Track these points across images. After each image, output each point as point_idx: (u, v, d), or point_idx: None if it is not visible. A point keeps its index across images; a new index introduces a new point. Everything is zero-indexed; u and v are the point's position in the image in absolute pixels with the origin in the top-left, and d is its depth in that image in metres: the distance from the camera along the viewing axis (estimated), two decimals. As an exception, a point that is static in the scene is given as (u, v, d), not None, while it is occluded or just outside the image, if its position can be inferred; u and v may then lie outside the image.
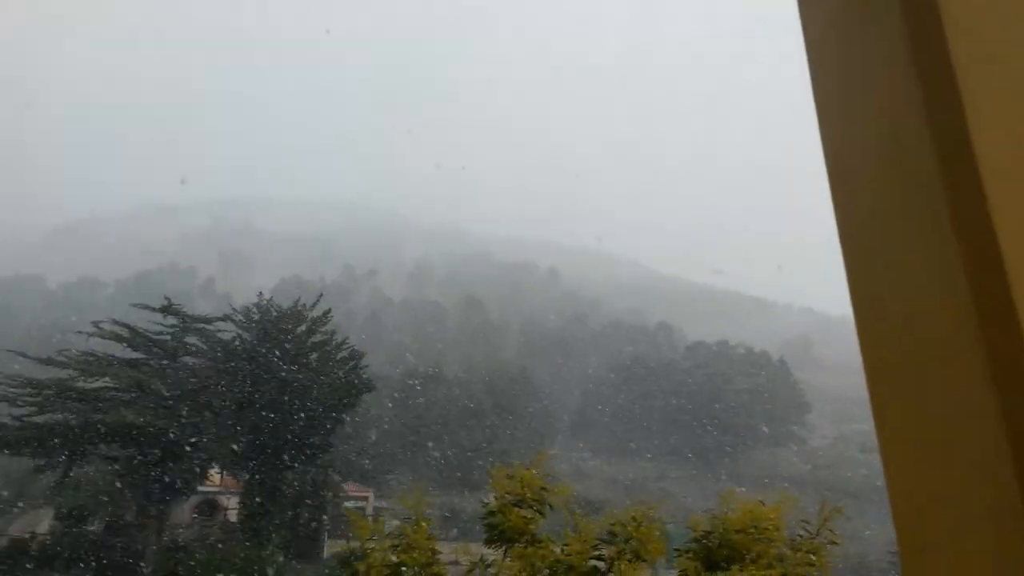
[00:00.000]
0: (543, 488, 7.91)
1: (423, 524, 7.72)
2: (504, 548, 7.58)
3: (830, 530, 7.90)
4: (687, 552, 7.69)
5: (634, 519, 7.34)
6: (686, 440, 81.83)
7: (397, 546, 7.62)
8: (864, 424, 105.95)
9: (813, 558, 7.49)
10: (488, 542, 7.75)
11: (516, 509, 7.66)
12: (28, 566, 30.21)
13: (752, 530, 7.39)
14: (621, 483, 71.79)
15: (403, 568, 7.17)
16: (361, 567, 7.37)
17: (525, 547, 7.34)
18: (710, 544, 7.56)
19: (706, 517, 7.90)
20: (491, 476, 8.37)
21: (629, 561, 7.07)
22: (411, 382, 74.76)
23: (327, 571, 32.70)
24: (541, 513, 7.79)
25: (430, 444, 66.48)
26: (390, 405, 66.38)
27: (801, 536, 7.86)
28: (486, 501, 8.17)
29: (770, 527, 7.62)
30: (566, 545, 7.34)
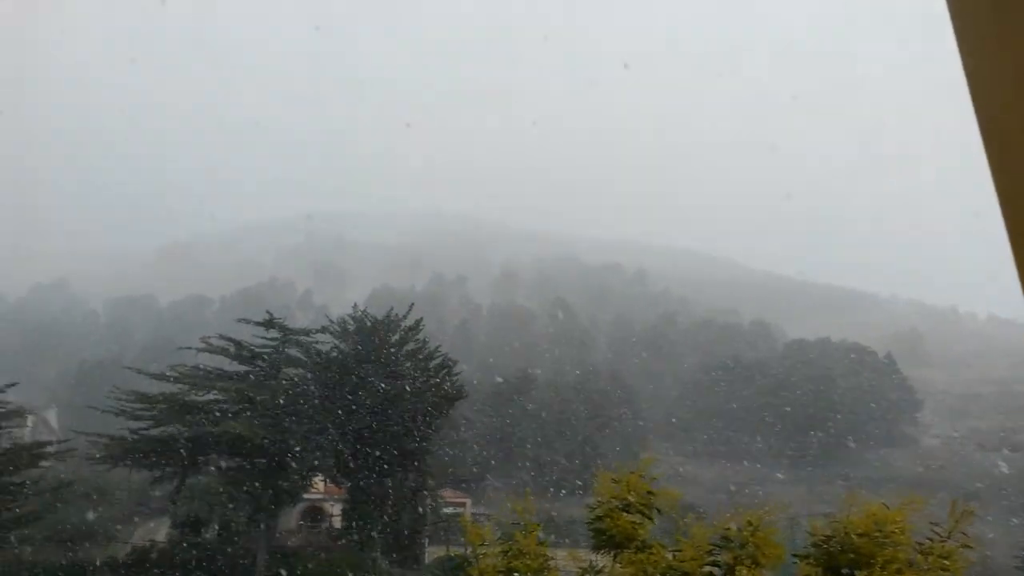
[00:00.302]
0: (650, 492, 7.69)
1: (533, 530, 7.62)
2: (613, 554, 7.39)
3: (963, 533, 7.35)
4: (806, 557, 7.30)
5: (749, 523, 7.02)
6: (788, 442, 79.06)
7: (508, 552, 7.54)
8: (979, 421, 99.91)
9: (946, 563, 6.98)
10: (596, 548, 7.57)
11: (623, 514, 7.46)
12: (149, 573, 31.79)
13: (877, 534, 6.95)
14: (721, 487, 69.97)
15: (515, 574, 7.08)
16: (474, 573, 7.32)
17: (635, 552, 7.13)
18: (832, 549, 7.15)
19: (825, 521, 7.49)
20: (596, 481, 8.19)
21: (748, 567, 6.76)
22: (502, 388, 75.12)
23: (430, 576, 33.19)
24: (649, 518, 7.56)
25: (524, 449, 66.55)
26: (483, 411, 66.86)
27: (931, 540, 7.34)
28: (591, 506, 8.00)
29: (896, 531, 7.15)
30: (677, 551, 7.09)
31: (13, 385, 37.97)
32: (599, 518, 7.57)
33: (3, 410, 37.34)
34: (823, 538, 7.27)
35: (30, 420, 41.74)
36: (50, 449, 38.50)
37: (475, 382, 60.72)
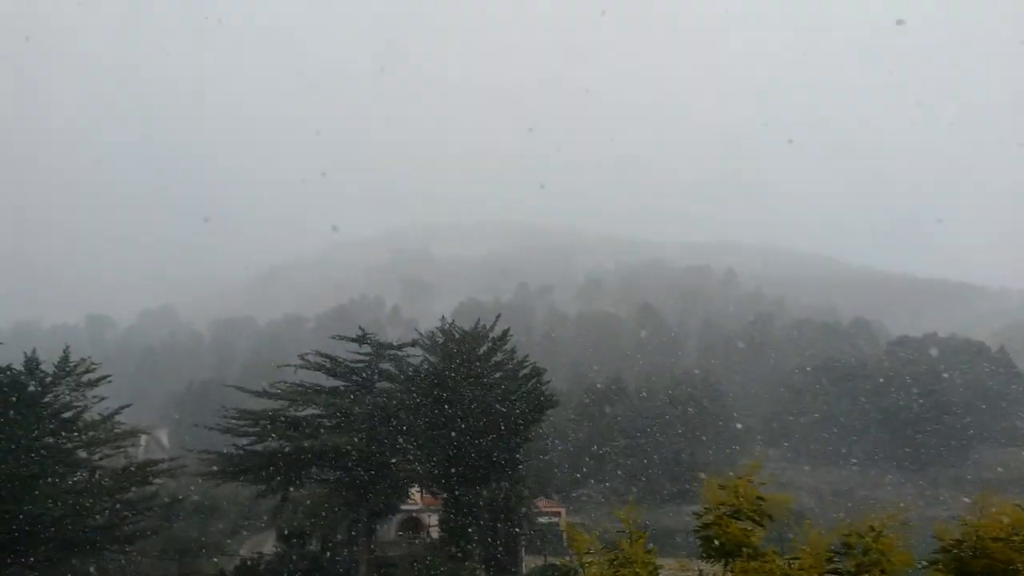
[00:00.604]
0: (759, 498, 7.32)
1: (639, 538, 7.38)
2: (724, 562, 7.07)
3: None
4: (934, 564, 6.79)
5: (872, 529, 6.57)
6: (896, 443, 75.23)
7: (615, 560, 7.31)
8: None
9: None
10: (705, 556, 7.26)
11: (733, 521, 7.13)
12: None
13: (1015, 538, 6.39)
14: (827, 492, 67.17)
15: None
16: None
17: (747, 560, 6.78)
18: (963, 554, 6.62)
19: (954, 524, 6.95)
20: (702, 487, 7.87)
21: (873, 575, 6.31)
22: (592, 395, 74.41)
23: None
24: (760, 524, 7.20)
25: (616, 457, 65.63)
26: (574, 420, 66.38)
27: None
28: (698, 513, 7.68)
29: (1036, 535, 6.56)
30: (794, 559, 6.71)
31: (127, 407, 40.02)
32: (707, 525, 7.26)
33: (118, 430, 39.37)
34: (952, 543, 6.75)
35: (143, 439, 43.98)
36: (162, 466, 40.34)
37: (564, 391, 60.32)
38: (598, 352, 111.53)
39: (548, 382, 43.63)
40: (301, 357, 42.34)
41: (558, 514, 47.71)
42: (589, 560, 7.29)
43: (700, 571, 7.17)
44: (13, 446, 31.77)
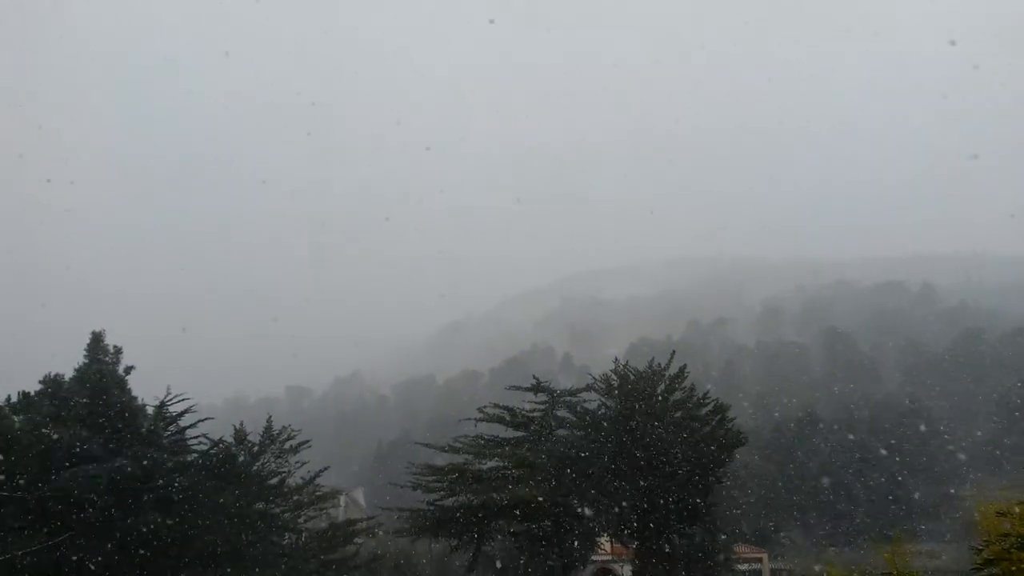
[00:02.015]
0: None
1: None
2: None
3: None
4: None
5: None
6: None
7: None
8: None
9: None
10: None
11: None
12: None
13: None
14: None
15: None
16: None
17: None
18: None
19: None
20: (977, 513, 6.86)
21: None
22: (784, 431, 70.08)
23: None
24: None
25: (817, 496, 61.01)
26: (765, 458, 62.66)
27: None
28: (976, 547, 6.65)
29: None
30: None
31: (326, 469, 42.45)
32: (990, 561, 6.25)
33: (319, 493, 41.78)
34: None
35: (342, 500, 46.30)
36: (361, 526, 42.19)
37: (751, 427, 57.16)
38: (784, 384, 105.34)
39: (734, 418, 41.57)
40: (480, 410, 43.10)
41: (759, 560, 44.86)
42: None
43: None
44: (228, 513, 34.46)
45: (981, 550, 6.13)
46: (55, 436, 32.08)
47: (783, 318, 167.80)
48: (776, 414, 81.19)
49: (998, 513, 6.02)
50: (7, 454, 31.30)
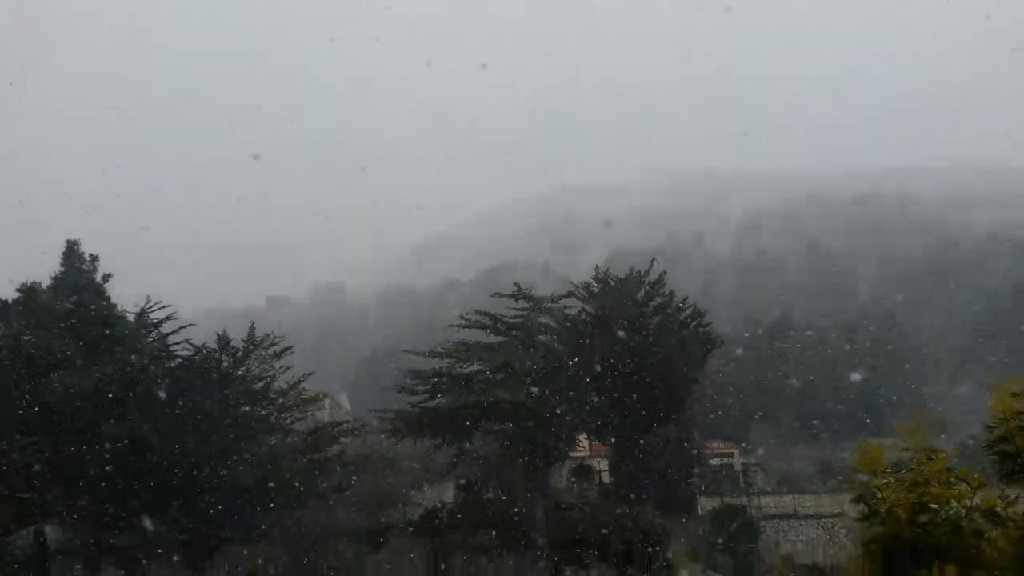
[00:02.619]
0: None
1: (931, 455, 6.70)
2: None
3: None
4: None
5: None
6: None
7: (916, 484, 6.68)
8: None
9: None
10: (1006, 477, 6.42)
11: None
12: (441, 530, 34.54)
13: None
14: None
15: (933, 505, 6.23)
16: (881, 505, 6.56)
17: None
18: None
19: None
20: (993, 393, 7.09)
21: None
22: (759, 337, 71.68)
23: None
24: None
25: (788, 398, 62.98)
26: (741, 361, 64.27)
27: None
28: (990, 425, 6.90)
29: None
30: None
31: (310, 374, 43.04)
32: (1003, 439, 6.49)
33: (304, 397, 42.51)
34: None
35: (326, 403, 47.17)
36: (346, 427, 43.12)
37: (730, 333, 58.35)
38: (761, 295, 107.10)
39: (709, 324, 42.45)
40: (462, 317, 43.55)
41: (731, 455, 46.69)
42: (884, 482, 6.67)
43: (1002, 490, 6.38)
44: (212, 419, 34.97)
45: (994, 428, 6.37)
46: (35, 343, 32.07)
47: (760, 230, 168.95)
48: (751, 321, 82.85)
49: (1013, 393, 6.26)
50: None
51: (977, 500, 6.20)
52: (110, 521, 32.81)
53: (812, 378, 64.58)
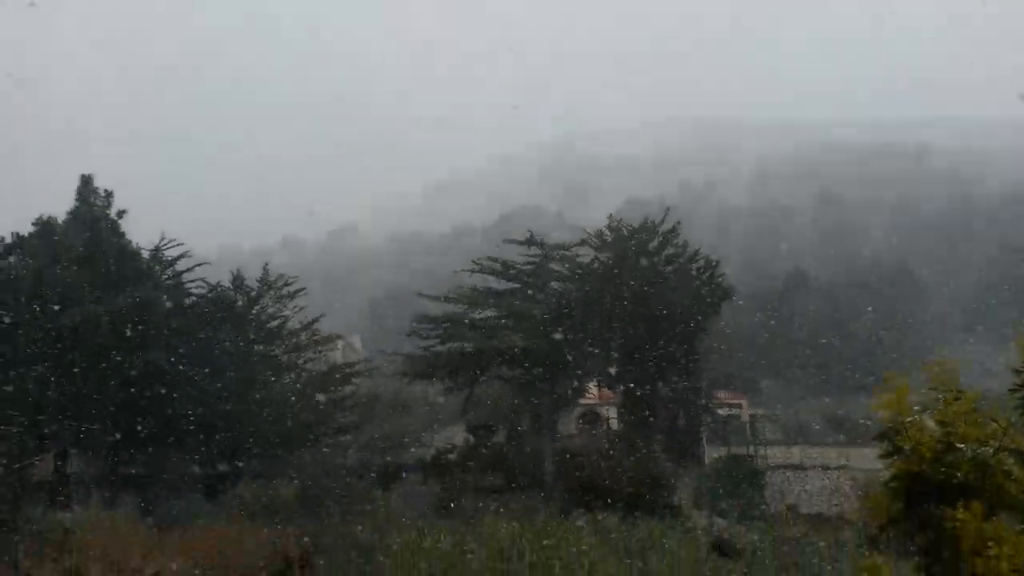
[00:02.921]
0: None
1: (959, 396, 6.61)
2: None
3: None
4: None
5: None
6: None
7: (943, 423, 6.61)
8: None
9: None
10: None
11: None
12: (451, 470, 35.18)
13: None
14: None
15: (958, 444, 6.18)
16: (906, 443, 6.51)
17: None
18: None
19: None
20: (1018, 338, 6.95)
21: None
22: (770, 288, 71.49)
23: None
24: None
25: (798, 350, 63.04)
26: (751, 312, 64.19)
27: None
28: (1018, 368, 6.78)
29: None
30: None
31: (323, 316, 43.39)
32: None
33: (317, 337, 42.95)
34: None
35: (339, 345, 47.57)
36: (359, 368, 43.70)
37: (740, 283, 58.12)
38: (773, 245, 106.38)
39: (723, 274, 42.39)
40: (474, 262, 43.62)
41: (739, 406, 47.03)
42: (909, 419, 6.59)
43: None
44: (228, 355, 35.41)
45: (1021, 371, 6.27)
46: (52, 277, 32.34)
47: (774, 180, 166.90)
48: (763, 272, 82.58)
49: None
50: (6, 294, 31.64)
51: (1006, 441, 6.17)
52: (127, 452, 33.59)
53: (823, 330, 64.50)
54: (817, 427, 45.00)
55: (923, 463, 6.21)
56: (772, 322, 63.94)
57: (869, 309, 67.60)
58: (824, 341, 62.52)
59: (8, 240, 34.16)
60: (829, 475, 33.91)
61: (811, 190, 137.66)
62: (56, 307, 31.67)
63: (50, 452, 32.28)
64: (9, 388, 29.52)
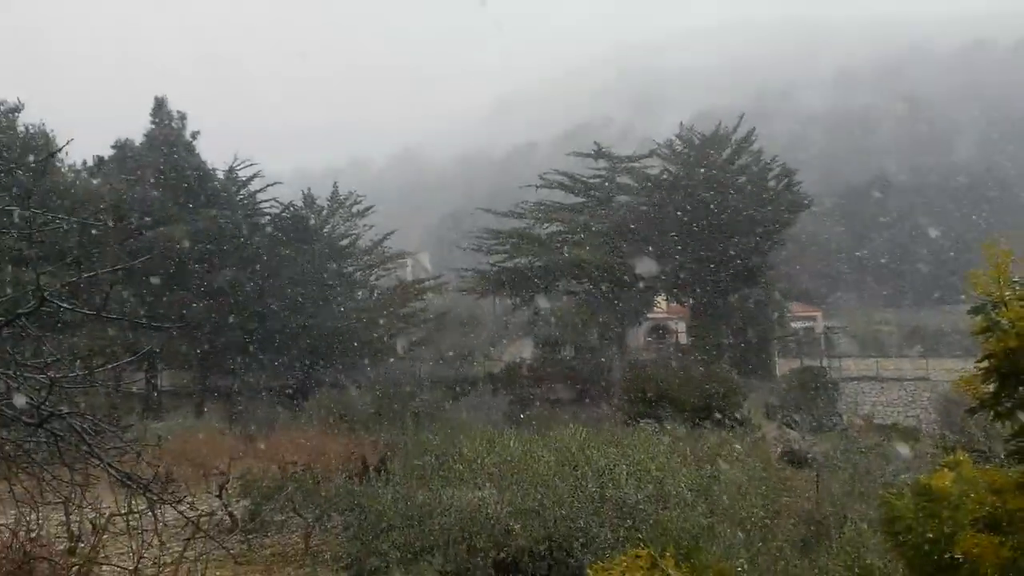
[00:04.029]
0: None
1: None
2: None
3: None
4: None
5: None
6: None
7: None
8: None
9: None
10: None
11: None
12: (521, 384, 35.75)
13: None
14: None
15: None
16: (1003, 316, 6.11)
17: None
18: None
19: None
20: None
21: None
22: (850, 197, 68.73)
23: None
24: None
25: (877, 260, 60.85)
26: (829, 221, 62.02)
27: None
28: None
29: None
30: None
31: (392, 233, 43.93)
32: None
33: (387, 254, 43.63)
34: None
35: (408, 262, 48.26)
36: (428, 284, 44.31)
37: (820, 193, 55.89)
38: (854, 153, 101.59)
39: (800, 183, 40.77)
40: (541, 177, 43.15)
41: (813, 318, 46.03)
42: (1008, 293, 6.14)
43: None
44: (302, 272, 36.32)
45: None
46: (132, 198, 33.44)
47: (856, 84, 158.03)
48: (842, 181, 79.24)
49: None
50: (91, 215, 32.89)
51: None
52: (212, 365, 35.25)
53: (904, 239, 61.89)
54: (895, 339, 43.71)
55: (1021, 341, 5.81)
56: (851, 232, 61.70)
57: (956, 216, 64.36)
58: (905, 251, 60.06)
59: (90, 163, 35.32)
60: (906, 386, 33.13)
61: (897, 92, 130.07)
62: (138, 226, 32.85)
63: (142, 366, 34.11)
64: (101, 305, 31.08)
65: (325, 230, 40.09)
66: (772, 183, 39.97)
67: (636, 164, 42.28)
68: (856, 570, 8.13)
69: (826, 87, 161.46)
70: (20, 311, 3.87)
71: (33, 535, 6.13)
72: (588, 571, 6.16)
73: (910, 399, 32.67)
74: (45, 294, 3.68)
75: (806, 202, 40.49)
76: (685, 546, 8.48)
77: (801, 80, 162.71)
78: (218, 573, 12.34)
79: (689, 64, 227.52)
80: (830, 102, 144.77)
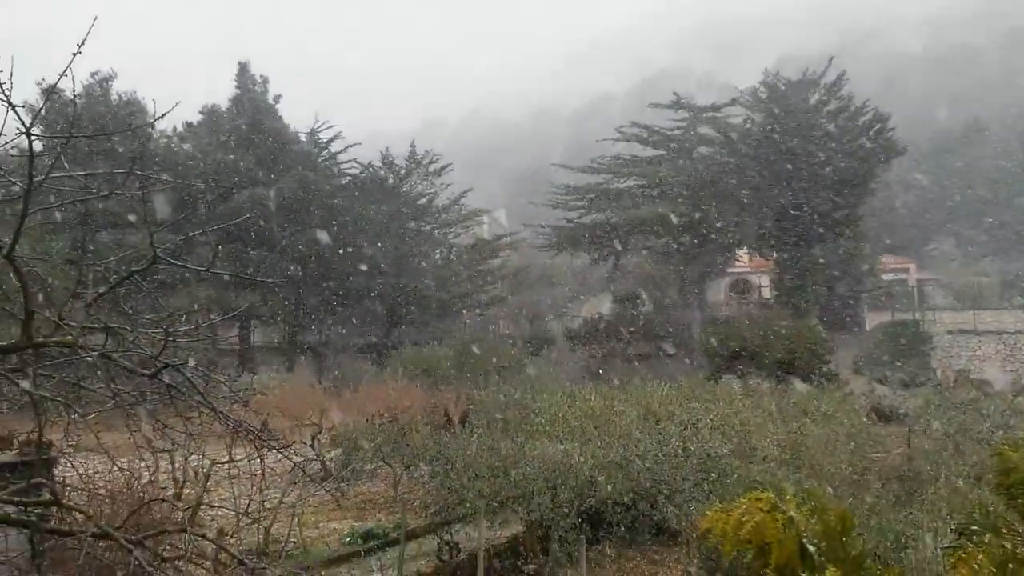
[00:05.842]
0: None
1: None
2: None
3: None
4: None
5: None
6: None
7: None
8: None
9: None
10: None
11: None
12: (600, 339, 35.76)
13: None
14: None
15: None
16: None
17: None
18: None
19: None
20: None
21: None
22: (945, 140, 64.94)
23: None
24: None
25: (975, 207, 57.44)
26: (924, 168, 58.79)
27: None
28: None
29: None
30: None
31: (469, 190, 44.11)
32: None
33: (464, 212, 43.91)
34: None
35: (485, 219, 48.47)
36: (505, 241, 44.52)
37: (914, 139, 52.90)
38: (951, 93, 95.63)
39: (893, 129, 38.69)
40: (618, 130, 42.44)
41: (906, 271, 44.13)
42: None
43: None
44: (383, 231, 37.01)
45: None
46: (221, 160, 34.61)
47: (954, 19, 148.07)
48: (938, 125, 74.88)
49: None
50: (183, 179, 34.22)
51: None
52: (300, 322, 36.54)
53: (1003, 187, 58.13)
54: (994, 290, 41.46)
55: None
56: (946, 179, 58.48)
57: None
58: (1003, 199, 56.54)
59: (180, 128, 36.66)
60: (1006, 340, 31.54)
61: (997, 30, 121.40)
62: (228, 189, 34.10)
63: (236, 323, 35.64)
64: (211, 262, 32.49)
65: (404, 189, 40.60)
66: (862, 128, 38.13)
67: (718, 114, 41.02)
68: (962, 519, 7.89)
69: (918, 25, 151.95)
70: (135, 269, 4.09)
71: (147, 480, 6.59)
72: (707, 512, 6.22)
73: (1009, 353, 31.14)
74: (158, 251, 3.89)
75: (899, 147, 38.49)
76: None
77: (892, 18, 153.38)
78: (314, 517, 12.97)
79: (772, 4, 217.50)
80: (924, 41, 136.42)
